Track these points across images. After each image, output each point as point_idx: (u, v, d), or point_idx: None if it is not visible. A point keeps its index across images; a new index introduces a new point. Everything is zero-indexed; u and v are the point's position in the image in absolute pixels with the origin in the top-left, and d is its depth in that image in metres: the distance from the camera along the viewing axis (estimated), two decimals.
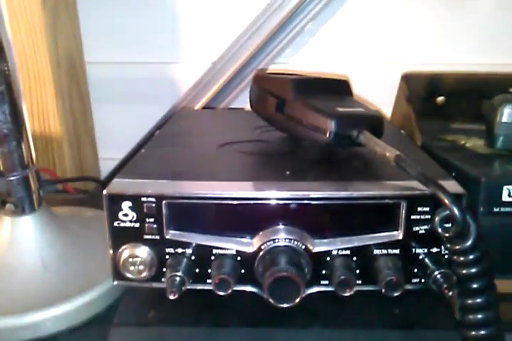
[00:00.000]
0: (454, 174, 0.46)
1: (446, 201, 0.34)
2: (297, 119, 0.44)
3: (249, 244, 0.38)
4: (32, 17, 0.67)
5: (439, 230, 0.35)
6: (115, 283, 0.39)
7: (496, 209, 0.43)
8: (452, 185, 0.38)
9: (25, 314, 0.39)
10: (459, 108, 0.63)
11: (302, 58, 0.76)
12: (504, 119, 0.50)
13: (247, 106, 0.53)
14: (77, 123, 0.76)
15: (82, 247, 0.46)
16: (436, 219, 0.35)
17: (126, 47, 0.77)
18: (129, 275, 0.38)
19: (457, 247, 0.35)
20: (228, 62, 0.75)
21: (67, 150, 0.74)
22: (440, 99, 0.63)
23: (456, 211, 0.33)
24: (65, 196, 0.70)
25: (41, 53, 0.69)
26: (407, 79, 0.65)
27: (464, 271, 0.35)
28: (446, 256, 0.38)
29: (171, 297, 0.35)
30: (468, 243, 0.35)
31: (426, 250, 0.38)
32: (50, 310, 0.39)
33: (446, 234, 0.35)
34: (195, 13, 0.75)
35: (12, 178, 0.43)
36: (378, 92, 0.73)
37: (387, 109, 0.71)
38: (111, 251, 0.38)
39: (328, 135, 0.41)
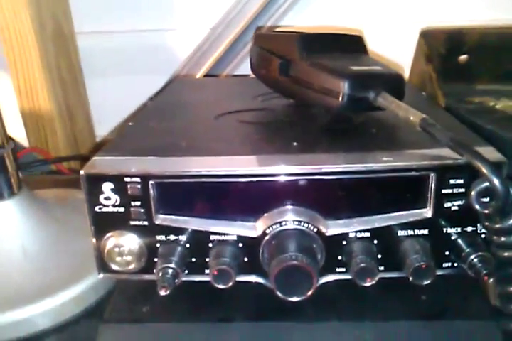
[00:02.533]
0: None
1: (485, 171, 0.29)
2: (304, 82, 0.39)
3: (253, 228, 0.32)
4: None
5: (477, 206, 0.30)
6: (101, 275, 0.34)
7: None
8: (490, 152, 0.32)
9: (6, 311, 0.35)
10: (484, 67, 0.57)
11: (309, 19, 0.70)
12: None
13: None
14: (69, 97, 0.72)
15: (69, 234, 0.42)
16: (473, 192, 0.30)
17: (119, 15, 0.72)
18: (115, 266, 0.33)
19: (498, 226, 0.30)
20: (228, 27, 0.70)
21: (59, 126, 0.70)
22: (463, 57, 0.57)
23: (497, 182, 0.28)
24: (59, 177, 0.66)
25: (24, 22, 0.64)
26: (426, 36, 0.59)
27: (506, 254, 0.31)
28: (483, 236, 0.33)
29: (162, 293, 0.30)
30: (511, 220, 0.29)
31: (460, 229, 0.33)
32: (34, 306, 0.35)
33: (485, 211, 0.30)
34: None
35: None
36: (394, 51, 0.66)
37: (404, 69, 0.65)
38: (94, 240, 0.33)
39: (341, 98, 0.36)
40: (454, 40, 0.59)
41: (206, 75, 0.71)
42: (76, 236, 0.41)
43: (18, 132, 0.71)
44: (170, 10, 0.71)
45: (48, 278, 0.38)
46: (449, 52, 0.58)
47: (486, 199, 0.30)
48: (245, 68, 0.70)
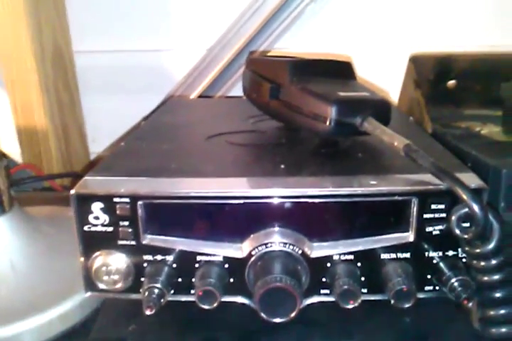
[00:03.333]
0: (469, 164, 0.41)
1: (465, 197, 0.29)
2: (294, 106, 0.40)
3: (239, 249, 0.33)
4: (12, 3, 0.63)
5: (457, 231, 0.31)
6: (88, 294, 0.34)
7: None
8: (471, 178, 0.33)
9: None
10: (471, 92, 0.58)
11: (303, 42, 0.72)
12: None
13: None
14: (65, 115, 0.73)
15: (58, 252, 0.42)
16: (453, 218, 0.31)
17: (116, 34, 0.73)
18: (103, 285, 0.33)
19: (478, 250, 0.31)
20: (224, 48, 0.71)
21: (53, 144, 0.71)
22: (451, 82, 0.58)
23: (476, 208, 0.29)
24: (51, 194, 0.66)
25: (23, 41, 0.65)
26: (415, 61, 0.60)
27: (486, 278, 0.31)
28: (464, 260, 0.33)
29: (148, 312, 0.31)
30: (491, 246, 0.31)
31: (441, 253, 0.33)
32: (22, 323, 0.36)
33: (465, 236, 0.30)
34: None
35: None
36: (385, 76, 0.68)
37: (393, 94, 0.66)
38: (82, 259, 0.33)
39: (328, 123, 0.36)
40: (443, 65, 0.60)
41: (201, 96, 0.72)
42: (65, 254, 0.41)
43: (12, 147, 0.72)
44: (167, 30, 0.72)
45: (35, 295, 0.38)
46: (438, 77, 0.59)
47: (467, 224, 0.31)
48: (240, 89, 0.72)
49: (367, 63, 0.69)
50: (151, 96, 0.74)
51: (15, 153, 0.72)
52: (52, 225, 0.46)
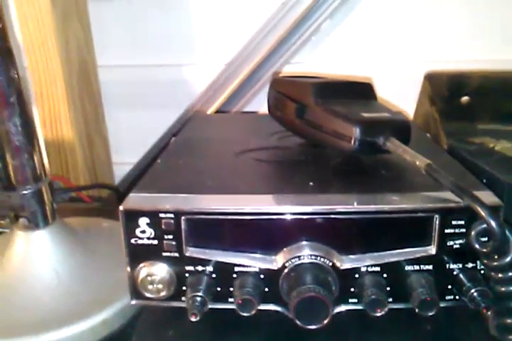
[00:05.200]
0: (484, 180, 0.44)
1: (483, 214, 0.32)
2: (319, 125, 0.42)
3: (273, 261, 0.36)
4: (42, 20, 0.66)
5: (476, 245, 0.33)
6: (133, 302, 0.37)
7: None
8: (488, 196, 0.35)
9: (39, 333, 0.37)
10: (484, 108, 0.60)
11: (319, 58, 0.74)
12: None
13: (262, 109, 0.51)
14: (90, 127, 0.75)
15: (98, 262, 0.45)
16: (473, 233, 0.33)
17: (138, 49, 0.76)
18: (147, 294, 0.36)
19: (495, 263, 0.33)
20: (242, 64, 0.73)
21: (80, 155, 0.73)
22: (465, 98, 0.61)
23: (494, 225, 0.31)
24: (79, 204, 0.69)
25: (52, 57, 0.68)
26: (430, 79, 0.63)
27: (503, 289, 0.34)
28: (482, 272, 0.36)
29: (193, 319, 0.33)
30: (508, 259, 0.33)
31: (461, 265, 0.36)
32: (65, 329, 0.38)
33: (484, 250, 0.33)
34: (207, 13, 0.73)
35: (25, 192, 0.42)
36: (400, 92, 0.70)
37: (409, 109, 0.69)
38: (128, 269, 0.36)
39: (353, 142, 0.39)
40: (457, 82, 0.62)
41: (218, 110, 0.74)
42: (104, 263, 0.44)
43: None
44: (188, 45, 0.75)
45: (79, 303, 0.40)
46: (452, 94, 0.61)
47: (485, 239, 0.33)
48: (257, 103, 0.75)
49: (382, 79, 0.71)
50: (171, 109, 0.77)
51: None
52: (89, 235, 0.48)
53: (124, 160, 0.81)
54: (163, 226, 0.35)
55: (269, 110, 0.51)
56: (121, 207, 0.35)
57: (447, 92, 0.61)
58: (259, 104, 0.74)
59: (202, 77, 0.75)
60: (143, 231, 0.35)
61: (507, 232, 0.32)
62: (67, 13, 0.69)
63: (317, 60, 0.74)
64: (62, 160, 0.73)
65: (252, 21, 0.72)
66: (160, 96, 0.78)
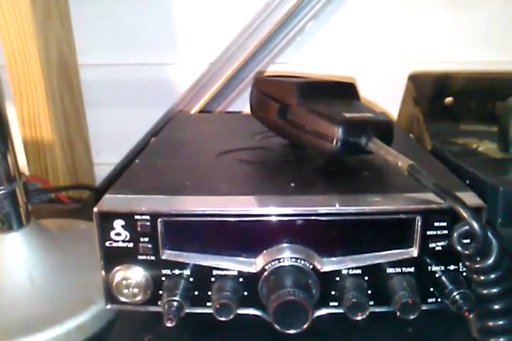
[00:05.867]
0: (468, 181, 0.43)
1: (466, 215, 0.31)
2: (301, 126, 0.41)
3: (252, 264, 0.35)
4: (21, 18, 0.64)
5: (458, 247, 0.32)
6: (108, 306, 0.36)
7: None
8: (470, 197, 0.35)
9: (12, 339, 0.36)
10: (468, 109, 0.60)
11: (303, 58, 0.74)
12: None
13: (246, 109, 0.51)
14: (70, 127, 0.74)
15: (74, 265, 0.43)
16: (455, 235, 0.32)
17: (120, 48, 0.75)
18: (122, 298, 0.35)
19: (477, 265, 0.33)
20: (226, 63, 0.73)
21: (59, 156, 0.72)
22: (449, 99, 0.60)
23: (476, 226, 0.31)
24: (58, 206, 0.67)
25: (31, 55, 0.66)
26: (414, 80, 0.63)
27: (485, 291, 0.33)
28: (464, 274, 0.35)
29: (169, 324, 0.32)
30: (490, 261, 0.32)
31: (443, 268, 0.35)
32: (38, 335, 0.37)
33: (466, 251, 0.32)
34: (191, 12, 0.72)
35: None
36: (384, 92, 0.70)
37: (393, 110, 0.68)
38: (103, 273, 0.35)
39: (335, 143, 0.38)
40: (441, 83, 0.62)
41: (202, 110, 0.73)
42: (81, 266, 0.43)
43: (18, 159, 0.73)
44: (171, 44, 0.74)
45: (53, 307, 0.39)
46: (436, 94, 0.61)
47: (467, 241, 0.33)
48: (240, 103, 0.74)
49: (366, 80, 0.71)
50: (154, 109, 0.76)
51: (21, 165, 0.73)
52: (66, 238, 0.47)
53: (105, 160, 0.80)
54: (138, 229, 0.34)
55: (251, 110, 0.50)
56: (95, 209, 0.34)
57: (431, 93, 0.61)
58: (244, 103, 0.73)
59: (186, 76, 0.75)
60: (118, 234, 0.34)
61: (489, 234, 0.32)
62: (47, 11, 0.67)
63: (302, 60, 0.74)
64: (41, 160, 0.72)
65: (237, 21, 0.71)
66: (143, 95, 0.77)
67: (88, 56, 0.75)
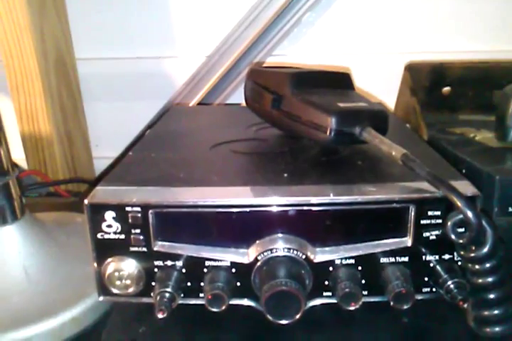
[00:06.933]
0: (464, 171, 0.43)
1: (459, 204, 0.31)
2: (295, 116, 0.41)
3: (245, 255, 0.34)
4: (16, 11, 0.64)
5: (452, 236, 0.32)
6: (101, 298, 0.36)
7: (511, 209, 0.40)
8: (465, 186, 0.34)
9: (6, 331, 0.36)
10: (465, 98, 0.60)
11: (301, 50, 0.74)
12: None
13: (244, 102, 0.50)
14: (68, 121, 0.74)
15: (69, 257, 0.43)
16: (449, 223, 0.32)
17: (117, 42, 0.75)
18: (115, 290, 0.35)
19: (472, 255, 0.32)
20: (224, 56, 0.72)
21: (58, 150, 0.72)
22: (446, 89, 0.60)
23: (470, 215, 0.31)
24: (57, 199, 0.68)
25: (27, 49, 0.66)
26: (411, 69, 0.62)
27: (480, 280, 0.33)
28: (459, 264, 0.35)
29: (160, 316, 0.32)
30: (484, 250, 0.32)
31: (437, 257, 0.35)
32: (33, 327, 0.37)
33: (460, 241, 0.32)
34: (187, 5, 0.72)
35: None
36: (381, 83, 0.70)
37: (390, 101, 0.68)
38: (95, 265, 0.35)
39: (328, 132, 0.38)
40: (438, 73, 0.61)
41: (200, 102, 0.73)
42: (76, 259, 0.43)
43: (17, 154, 0.73)
44: (168, 38, 0.74)
45: (48, 300, 0.39)
46: (433, 84, 0.61)
47: (462, 230, 0.32)
48: (238, 95, 0.73)
49: (364, 71, 0.70)
50: (152, 102, 0.76)
51: (19, 159, 0.73)
52: (61, 231, 0.47)
53: (104, 154, 0.80)
54: (130, 220, 0.34)
55: (246, 101, 0.50)
56: (86, 201, 0.34)
57: (428, 83, 0.61)
58: (242, 96, 0.73)
59: (183, 69, 0.74)
60: (109, 226, 0.34)
61: (484, 222, 0.31)
62: (43, 4, 0.67)
63: (299, 52, 0.74)
64: (40, 154, 0.72)
65: (233, 13, 0.71)
66: (141, 89, 0.77)
67: (85, 50, 0.75)
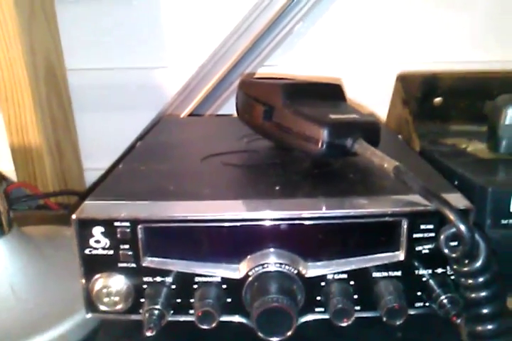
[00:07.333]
0: (456, 182, 0.43)
1: (452, 218, 0.31)
2: (287, 128, 0.41)
3: (236, 270, 0.34)
4: (5, 21, 0.64)
5: (445, 250, 0.32)
6: (88, 315, 0.35)
7: (504, 222, 0.40)
8: (458, 199, 0.34)
9: None
10: (457, 109, 0.60)
11: (292, 60, 0.74)
12: (508, 121, 0.47)
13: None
14: (58, 133, 0.73)
15: (57, 272, 0.43)
16: (442, 237, 0.31)
17: (108, 52, 0.75)
18: (103, 307, 0.34)
19: (465, 269, 0.32)
20: (215, 66, 0.72)
21: (48, 161, 0.71)
22: (438, 99, 0.60)
23: (463, 229, 0.30)
24: (46, 212, 0.67)
25: (17, 60, 0.66)
26: (403, 80, 0.62)
27: (473, 295, 0.32)
28: (452, 278, 0.34)
29: (149, 334, 0.32)
30: (478, 264, 0.32)
31: (430, 271, 0.34)
32: None
33: (453, 254, 0.31)
34: (178, 15, 0.72)
35: None
36: (372, 94, 0.70)
37: (381, 111, 0.68)
38: (83, 281, 0.34)
39: (320, 145, 0.38)
40: (429, 83, 0.62)
41: (192, 113, 0.73)
42: (64, 274, 0.42)
43: (6, 166, 0.72)
44: (159, 48, 0.74)
45: (35, 316, 0.38)
46: (425, 95, 0.61)
47: (455, 243, 0.32)
48: (230, 107, 0.73)
49: (355, 82, 0.70)
50: (144, 113, 0.75)
51: (9, 171, 0.72)
52: (50, 245, 0.46)
53: (95, 165, 0.79)
54: (118, 236, 0.33)
55: (237, 113, 0.49)
56: (73, 216, 0.33)
57: (420, 93, 0.61)
58: (233, 106, 0.73)
59: (174, 80, 0.74)
60: (97, 241, 0.33)
61: (477, 236, 0.31)
62: (32, 14, 0.67)
63: (291, 63, 0.74)
64: (29, 166, 0.71)
65: (225, 23, 0.71)
66: (132, 100, 0.77)
67: (76, 60, 0.75)
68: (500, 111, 0.48)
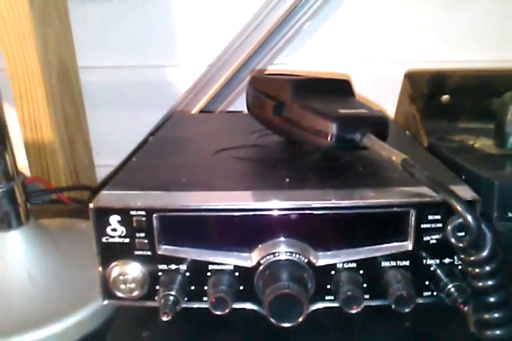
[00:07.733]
0: (464, 177, 0.43)
1: (459, 208, 0.31)
2: (296, 122, 0.42)
3: (248, 259, 0.35)
4: (20, 20, 0.65)
5: (452, 240, 0.32)
6: (105, 302, 0.36)
7: (510, 215, 0.40)
8: (464, 191, 0.35)
9: (10, 336, 0.36)
10: (464, 106, 0.60)
11: (302, 58, 0.74)
12: None
13: (245, 110, 0.51)
14: (71, 129, 0.74)
15: (73, 263, 0.44)
16: (449, 227, 0.32)
17: (120, 50, 0.75)
18: (119, 294, 0.35)
19: (472, 258, 0.33)
20: (225, 64, 0.73)
21: (61, 157, 0.72)
22: (445, 97, 0.61)
23: (470, 219, 0.31)
24: (60, 206, 0.68)
25: (31, 58, 0.67)
26: (411, 78, 0.63)
27: (480, 284, 0.33)
28: (459, 267, 0.35)
29: (164, 318, 0.33)
30: (484, 254, 0.32)
31: (438, 261, 0.35)
32: (37, 332, 0.37)
33: (460, 244, 0.32)
34: (189, 14, 0.73)
35: None
36: (381, 92, 0.70)
37: (389, 108, 0.69)
38: (100, 269, 0.35)
39: (329, 138, 0.39)
40: (437, 81, 0.62)
41: (202, 111, 0.74)
42: (79, 264, 0.43)
43: (19, 161, 0.73)
44: (170, 46, 0.74)
45: (52, 305, 0.40)
46: (432, 92, 0.61)
47: (462, 234, 0.33)
48: (240, 104, 0.74)
49: (364, 79, 0.71)
50: (154, 110, 0.76)
51: (23, 167, 0.73)
52: (65, 236, 0.48)
53: (106, 162, 0.80)
54: (134, 224, 0.34)
55: (248, 108, 0.50)
56: (91, 205, 0.34)
57: (427, 91, 0.61)
58: (243, 104, 0.73)
59: (185, 78, 0.75)
60: (114, 230, 0.34)
61: (483, 226, 0.32)
62: (46, 13, 0.68)
63: (300, 61, 0.74)
64: (42, 162, 0.72)
65: (235, 22, 0.71)
66: (143, 97, 0.77)
67: (88, 58, 0.75)
68: (507, 108, 0.48)
